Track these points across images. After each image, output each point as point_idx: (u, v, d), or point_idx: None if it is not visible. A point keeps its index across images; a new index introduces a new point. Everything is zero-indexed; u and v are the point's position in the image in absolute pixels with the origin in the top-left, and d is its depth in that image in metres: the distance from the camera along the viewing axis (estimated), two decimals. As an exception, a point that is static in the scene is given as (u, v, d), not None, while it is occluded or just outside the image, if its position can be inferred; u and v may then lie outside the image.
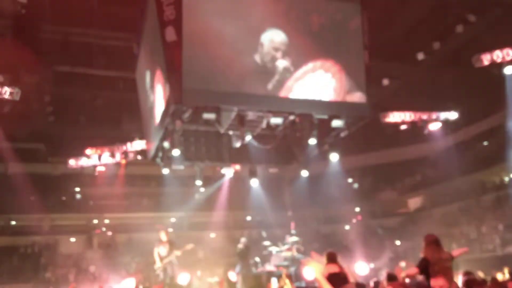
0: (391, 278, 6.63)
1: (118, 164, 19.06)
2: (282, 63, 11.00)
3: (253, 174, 14.53)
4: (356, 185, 28.16)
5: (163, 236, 11.33)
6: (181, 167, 13.89)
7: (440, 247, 6.16)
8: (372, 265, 15.78)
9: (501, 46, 15.01)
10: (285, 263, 14.65)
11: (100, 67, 16.07)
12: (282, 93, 10.95)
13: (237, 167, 16.12)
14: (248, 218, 26.50)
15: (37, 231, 23.04)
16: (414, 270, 6.19)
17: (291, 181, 22.39)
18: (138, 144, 17.91)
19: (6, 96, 14.54)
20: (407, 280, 6.37)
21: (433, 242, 6.19)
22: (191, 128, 12.03)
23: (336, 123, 11.75)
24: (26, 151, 19.47)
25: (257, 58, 10.88)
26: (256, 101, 10.83)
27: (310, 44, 11.24)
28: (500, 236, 20.08)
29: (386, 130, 19.48)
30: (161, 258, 11.05)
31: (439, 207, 24.30)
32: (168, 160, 13.21)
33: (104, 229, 24.41)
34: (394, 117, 18.21)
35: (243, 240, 14.56)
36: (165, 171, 14.05)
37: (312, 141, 12.34)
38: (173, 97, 10.00)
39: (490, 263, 16.77)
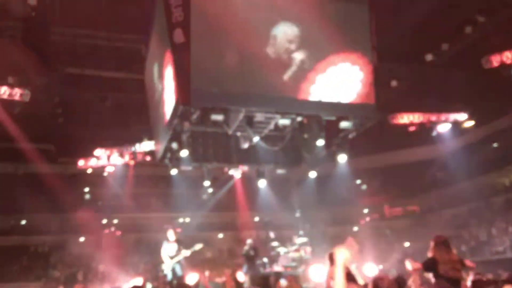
0: (401, 280, 6.60)
1: (126, 165, 19.21)
2: (298, 55, 11.01)
3: (261, 175, 14.55)
4: (364, 187, 28.07)
5: (171, 236, 11.37)
6: (189, 168, 13.95)
7: (449, 249, 6.12)
8: (380, 267, 15.72)
9: (510, 47, 14.90)
10: (293, 264, 14.65)
11: (109, 69, 16.18)
12: (303, 85, 10.94)
13: (245, 168, 16.15)
14: (256, 219, 26.50)
15: (46, 230, 23.24)
16: (417, 265, 6.16)
17: (299, 182, 22.37)
18: (146, 145, 18.03)
19: (17, 97, 14.72)
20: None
21: (442, 243, 6.15)
22: (199, 129, 12.07)
23: (344, 124, 11.74)
24: (36, 151, 19.64)
25: (269, 51, 10.86)
26: (264, 102, 10.85)
27: (327, 37, 11.24)
28: (510, 238, 19.91)
29: (394, 131, 19.41)
30: (170, 258, 11.09)
31: (449, 208, 24.15)
32: (176, 161, 13.26)
33: (113, 229, 24.56)
34: (403, 118, 18.14)
35: (249, 242, 14.59)
36: (174, 172, 14.10)
37: (320, 142, 12.33)
38: (182, 98, 10.04)
39: (500, 266, 16.62)
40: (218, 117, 10.71)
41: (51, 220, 23.52)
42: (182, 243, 11.38)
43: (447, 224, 22.81)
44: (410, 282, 6.59)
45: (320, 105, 11.34)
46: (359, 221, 26.90)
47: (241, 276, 12.58)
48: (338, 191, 23.23)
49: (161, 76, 12.14)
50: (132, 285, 13.54)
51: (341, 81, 11.40)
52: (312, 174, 15.93)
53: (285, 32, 10.93)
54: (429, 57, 16.51)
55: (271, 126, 11.68)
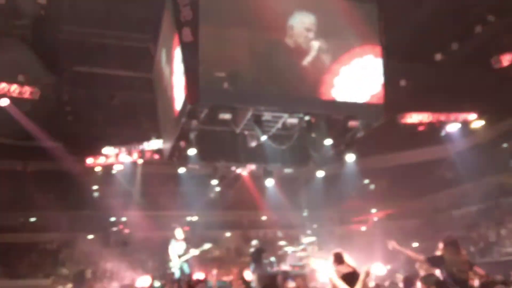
0: (409, 281, 6.57)
1: (135, 163, 19.30)
2: (316, 43, 11.06)
3: (268, 174, 14.56)
4: (372, 186, 27.95)
5: (179, 234, 11.41)
6: (197, 166, 13.99)
7: (458, 250, 6.08)
8: (388, 267, 15.64)
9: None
10: (301, 263, 14.63)
11: (118, 67, 16.23)
12: (312, 84, 10.98)
13: (252, 167, 16.15)
14: (264, 218, 26.50)
15: (55, 228, 23.41)
16: (421, 257, 6.14)
17: (306, 181, 22.33)
18: (154, 144, 18.09)
19: (26, 95, 14.85)
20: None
21: (451, 244, 6.11)
22: (207, 127, 12.10)
23: (352, 123, 11.72)
24: (45, 149, 19.77)
25: (289, 41, 10.91)
26: (273, 101, 10.86)
27: (338, 34, 11.27)
28: (519, 239, 19.75)
29: (403, 131, 19.29)
30: (178, 256, 11.13)
31: (457, 209, 23.99)
32: (184, 159, 13.31)
33: (121, 227, 24.69)
34: (412, 118, 18.04)
35: (254, 243, 14.61)
36: (181, 170, 14.15)
37: (328, 141, 12.31)
38: (190, 97, 10.07)
39: (509, 267, 16.47)
40: (226, 116, 10.73)
41: (60, 217, 23.67)
42: (190, 241, 11.43)
43: (455, 225, 22.63)
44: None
45: (328, 104, 11.35)
46: (367, 221, 26.81)
47: (249, 275, 12.60)
48: (346, 190, 23.15)
49: (170, 74, 12.17)
50: (140, 283, 13.63)
51: (350, 80, 11.40)
52: (320, 174, 15.90)
53: (302, 21, 10.96)
54: (438, 56, 16.40)
55: (279, 125, 11.69)
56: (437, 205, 25.58)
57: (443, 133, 18.85)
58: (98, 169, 19.93)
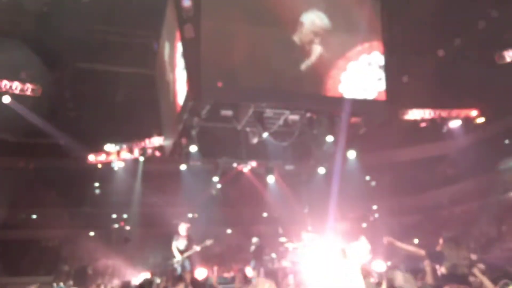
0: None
1: (136, 160, 19.29)
2: (318, 48, 11.05)
3: (269, 170, 14.58)
4: (373, 183, 27.91)
5: (182, 230, 11.42)
6: (199, 163, 14.01)
7: (458, 245, 6.07)
8: (389, 263, 15.66)
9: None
10: (302, 259, 14.64)
11: (120, 64, 16.22)
12: (314, 80, 10.99)
13: (254, 163, 16.17)
14: (265, 214, 26.49)
15: (57, 224, 23.43)
16: (422, 252, 6.15)
17: (308, 178, 22.31)
18: (156, 140, 18.09)
19: (28, 92, 14.85)
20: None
21: (451, 239, 6.12)
22: (208, 124, 12.12)
23: (353, 120, 11.73)
24: (47, 146, 19.78)
25: (296, 38, 10.89)
26: (274, 97, 10.85)
27: (343, 30, 11.27)
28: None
29: (405, 127, 19.26)
30: (180, 252, 11.14)
31: (459, 205, 23.98)
32: (185, 156, 13.33)
33: (122, 223, 24.71)
34: (414, 114, 18.01)
35: (254, 240, 14.64)
36: (183, 167, 14.17)
37: (330, 138, 12.32)
38: (192, 93, 10.08)
39: (510, 263, 16.49)
40: (228, 113, 10.76)
41: (62, 214, 23.71)
42: (193, 238, 11.44)
43: (457, 221, 22.64)
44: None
45: (330, 100, 11.34)
46: (368, 217, 26.78)
47: (250, 271, 12.63)
48: (347, 187, 23.12)
49: (172, 71, 12.18)
50: (141, 280, 13.66)
51: (351, 77, 11.39)
52: (321, 170, 15.92)
53: (313, 21, 10.94)
54: (441, 52, 16.38)
55: (281, 122, 11.70)
56: (438, 201, 25.55)
57: (444, 129, 18.82)
58: (99, 166, 19.93)
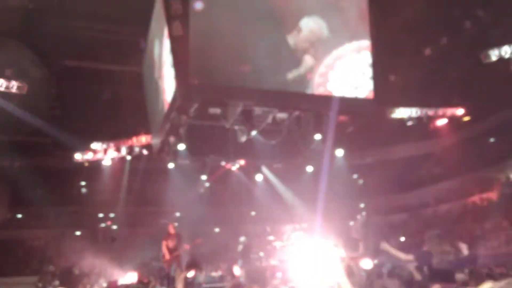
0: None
1: (123, 158, 19.15)
2: (309, 59, 11.02)
3: (257, 169, 14.60)
4: (361, 181, 28.10)
5: (171, 230, 11.40)
6: (187, 161, 13.98)
7: (441, 240, 6.13)
8: (375, 261, 15.78)
9: (509, 42, 14.91)
10: (290, 258, 14.68)
11: (107, 62, 16.08)
12: (303, 80, 10.96)
13: (242, 162, 16.18)
14: (253, 213, 26.50)
15: (43, 224, 23.17)
16: (410, 257, 6.20)
17: (296, 176, 22.38)
18: (144, 139, 17.97)
19: (13, 90, 14.64)
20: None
21: (435, 235, 6.18)
22: (196, 122, 12.07)
23: (341, 118, 11.78)
24: (32, 144, 19.53)
25: (290, 40, 10.84)
26: (263, 96, 10.84)
27: (331, 29, 11.27)
28: (504, 233, 20.01)
29: (392, 126, 19.40)
30: (170, 251, 11.12)
31: (444, 203, 24.24)
32: (173, 154, 13.28)
33: (109, 223, 24.52)
34: (400, 113, 18.14)
35: (242, 240, 14.67)
36: (171, 165, 14.11)
37: (317, 136, 12.36)
38: (179, 91, 10.02)
39: (493, 260, 16.72)
40: (216, 111, 10.73)
41: (47, 213, 23.45)
42: (182, 237, 11.43)
43: (442, 219, 22.90)
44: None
45: (318, 99, 11.36)
46: (355, 216, 26.94)
47: (237, 270, 12.64)
48: (334, 185, 23.22)
49: (159, 69, 12.10)
50: (127, 279, 13.59)
51: (339, 75, 11.42)
52: (309, 168, 15.99)
53: (310, 27, 10.91)
54: (427, 51, 16.52)
55: (269, 120, 11.70)
56: (424, 199, 25.81)
57: (431, 128, 19.00)
58: (86, 164, 19.75)
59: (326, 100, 11.40)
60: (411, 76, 17.49)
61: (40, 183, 21.16)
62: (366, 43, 11.58)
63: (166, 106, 11.63)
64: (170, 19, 9.83)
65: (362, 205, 27.35)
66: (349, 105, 11.65)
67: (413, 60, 17.03)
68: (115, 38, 14.92)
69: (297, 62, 10.84)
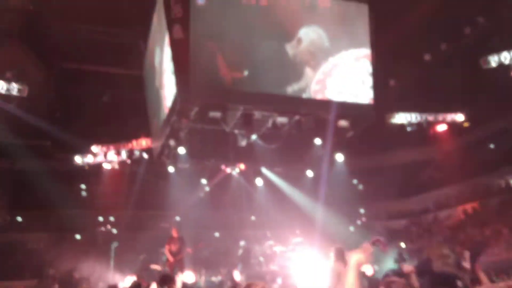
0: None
1: (123, 162, 19.14)
2: (309, 72, 11.03)
3: (258, 173, 14.59)
4: (361, 186, 28.06)
5: (174, 233, 11.38)
6: (187, 165, 13.97)
7: (441, 244, 6.12)
8: (376, 267, 15.76)
9: (509, 48, 14.93)
10: (290, 263, 14.65)
11: (107, 64, 16.12)
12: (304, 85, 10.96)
13: (242, 166, 16.16)
14: (253, 217, 26.47)
15: (42, 227, 23.13)
16: (409, 268, 6.17)
17: (296, 181, 22.37)
18: (144, 142, 17.96)
19: (14, 92, 14.65)
20: None
21: (436, 242, 6.18)
22: (197, 126, 12.09)
23: (341, 123, 11.79)
24: (32, 147, 19.53)
25: (290, 50, 10.86)
26: (263, 100, 10.87)
27: (331, 36, 11.29)
28: (504, 240, 19.97)
29: (391, 131, 19.40)
30: (172, 255, 11.09)
31: (444, 209, 24.20)
32: (174, 158, 13.29)
33: (109, 226, 24.47)
34: (400, 118, 18.13)
35: (242, 244, 14.65)
36: (171, 169, 14.10)
37: (317, 141, 12.37)
38: (180, 95, 10.05)
39: (493, 267, 16.68)
40: (216, 115, 10.74)
41: (47, 216, 23.41)
42: (185, 241, 11.40)
43: (442, 225, 22.85)
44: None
45: (318, 104, 11.39)
46: (355, 221, 26.90)
47: (237, 275, 12.60)
48: (334, 190, 23.20)
49: (160, 72, 12.13)
50: (126, 283, 13.54)
51: (340, 80, 11.46)
52: (309, 173, 15.97)
53: (310, 38, 10.92)
54: (427, 57, 16.54)
55: (269, 124, 11.71)
56: (424, 205, 25.77)
57: (430, 133, 18.98)
58: (86, 167, 19.74)
59: (326, 105, 11.44)
60: (411, 82, 17.52)
61: (40, 186, 21.14)
62: (365, 51, 11.61)
63: (166, 110, 11.66)
64: (171, 22, 9.87)
65: (362, 211, 27.32)
66: (349, 110, 11.69)
67: (413, 66, 17.06)
68: (115, 41, 14.95)
69: (298, 76, 10.87)
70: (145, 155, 17.92)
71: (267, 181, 16.30)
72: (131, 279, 13.81)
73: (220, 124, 11.49)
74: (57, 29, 13.46)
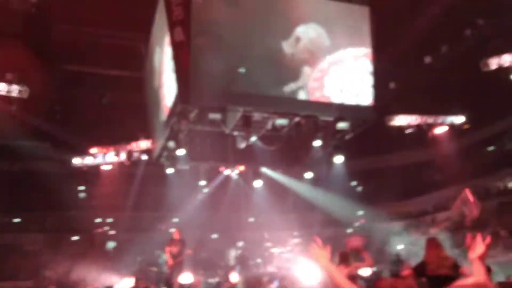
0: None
1: (122, 163, 19.09)
2: (308, 70, 11.01)
3: (257, 175, 14.57)
4: (359, 188, 28.08)
5: (175, 235, 11.35)
6: (186, 167, 13.94)
7: (438, 247, 6.11)
8: (374, 268, 15.77)
9: (509, 51, 14.96)
10: (287, 264, 14.65)
11: (108, 67, 16.12)
12: (317, 78, 10.95)
13: (241, 168, 16.15)
14: (251, 219, 26.44)
15: (40, 228, 23.06)
16: (408, 271, 6.18)
17: (295, 182, 22.37)
18: (143, 144, 17.92)
19: (15, 94, 14.62)
20: None
21: (432, 241, 6.17)
22: (196, 128, 12.07)
23: (341, 125, 11.80)
24: (32, 148, 19.48)
25: (287, 48, 10.82)
26: (262, 102, 10.86)
27: (331, 37, 11.28)
28: (502, 242, 19.99)
29: (391, 133, 19.41)
30: (173, 257, 11.05)
31: (443, 211, 24.21)
32: (173, 160, 13.26)
33: (107, 228, 24.42)
34: (400, 120, 18.14)
35: (240, 245, 14.63)
36: (170, 170, 14.06)
37: (317, 143, 12.37)
38: (180, 96, 10.04)
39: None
40: (216, 116, 10.73)
41: (45, 218, 23.35)
42: (186, 243, 11.35)
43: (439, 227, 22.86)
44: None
45: (317, 105, 11.39)
46: (353, 223, 26.91)
47: (235, 276, 12.59)
48: (333, 192, 23.20)
49: (161, 74, 12.12)
50: (123, 285, 13.51)
51: (340, 82, 11.46)
52: (308, 175, 15.97)
53: (309, 35, 10.89)
54: (427, 59, 16.57)
55: (269, 126, 11.71)
56: (422, 207, 25.80)
57: (430, 135, 18.98)
58: (85, 169, 19.70)
59: (325, 106, 11.44)
60: (411, 84, 17.53)
61: (38, 187, 21.07)
62: (365, 50, 11.62)
63: (166, 112, 11.64)
64: (172, 25, 9.86)
65: (361, 212, 27.33)
66: (349, 112, 11.69)
67: (414, 68, 17.09)
68: (116, 43, 14.95)
69: (296, 75, 10.86)
70: (144, 157, 17.87)
71: (266, 183, 16.27)
72: (129, 280, 13.78)
73: (219, 126, 11.48)
74: (58, 32, 13.45)
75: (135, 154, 18.14)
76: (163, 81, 11.77)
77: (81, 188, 23.89)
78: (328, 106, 11.52)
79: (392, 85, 17.09)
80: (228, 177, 18.83)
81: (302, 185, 20.15)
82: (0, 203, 21.64)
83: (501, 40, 15.68)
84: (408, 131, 18.35)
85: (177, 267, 10.99)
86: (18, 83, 14.30)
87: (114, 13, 13.24)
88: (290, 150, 13.99)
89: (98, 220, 24.48)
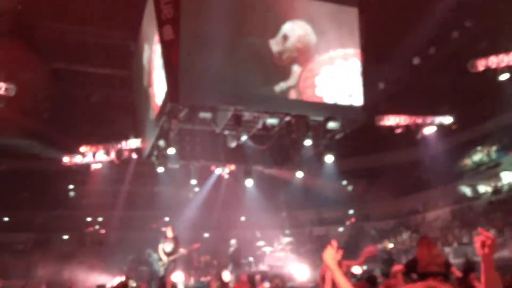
0: (371, 279, 6.80)
1: (112, 162, 18.99)
2: (298, 69, 11.02)
3: (248, 174, 14.56)
4: (350, 188, 28.24)
5: (169, 233, 11.32)
6: (176, 166, 13.90)
7: (430, 244, 6.16)
8: (365, 267, 15.86)
9: (496, 52, 15.10)
10: (279, 263, 14.69)
11: (96, 65, 16.04)
12: (307, 78, 10.96)
13: (232, 167, 16.14)
14: (243, 218, 26.48)
15: (30, 227, 22.93)
16: (399, 267, 6.24)
17: (285, 182, 22.44)
18: (133, 142, 17.84)
19: (1, 92, 14.48)
20: None
21: (424, 239, 6.21)
22: (186, 127, 12.04)
23: (331, 125, 11.83)
24: (20, 147, 19.35)
25: (274, 47, 10.81)
26: (253, 101, 10.86)
27: (320, 37, 11.29)
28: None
29: (380, 133, 19.51)
30: (166, 255, 11.02)
31: (433, 210, 24.41)
32: (163, 158, 13.21)
33: (97, 226, 24.33)
34: (389, 120, 18.24)
35: (233, 242, 14.64)
36: (160, 169, 14.02)
37: (308, 142, 12.39)
38: (170, 95, 10.01)
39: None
40: (206, 115, 10.71)
41: (35, 217, 23.22)
42: (179, 241, 11.33)
43: (430, 226, 23.05)
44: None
45: (308, 105, 11.42)
46: (344, 222, 27.06)
47: (227, 275, 12.59)
48: (324, 191, 23.32)
49: (150, 73, 12.08)
50: (115, 284, 13.47)
51: (330, 82, 11.50)
52: (299, 174, 16.00)
53: (296, 33, 10.88)
54: (416, 60, 16.69)
55: (259, 125, 11.71)
56: (412, 206, 25.98)
57: (419, 135, 19.09)
58: (74, 167, 19.57)
59: (316, 106, 11.47)
60: (400, 85, 17.64)
61: (27, 186, 20.97)
62: (354, 50, 11.67)
63: (156, 111, 11.61)
64: (161, 23, 9.83)
65: (351, 211, 27.48)
66: (339, 112, 11.73)
67: (402, 69, 17.19)
68: (105, 41, 14.89)
69: (286, 74, 10.87)
70: (134, 156, 17.80)
71: (257, 181, 16.28)
72: (120, 279, 13.75)
73: (210, 125, 11.47)
74: (46, 29, 13.35)
75: (125, 153, 18.05)
76: (153, 80, 11.74)
77: (71, 187, 23.79)
78: (320, 106, 11.54)
79: (381, 85, 17.17)
80: (219, 176, 18.83)
81: (293, 184, 20.24)
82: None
83: (488, 42, 15.82)
84: (398, 131, 18.43)
85: (170, 265, 10.97)
86: (5, 81, 14.16)
87: (103, 11, 13.19)
88: (281, 149, 14.02)
89: (89, 219, 24.40)
